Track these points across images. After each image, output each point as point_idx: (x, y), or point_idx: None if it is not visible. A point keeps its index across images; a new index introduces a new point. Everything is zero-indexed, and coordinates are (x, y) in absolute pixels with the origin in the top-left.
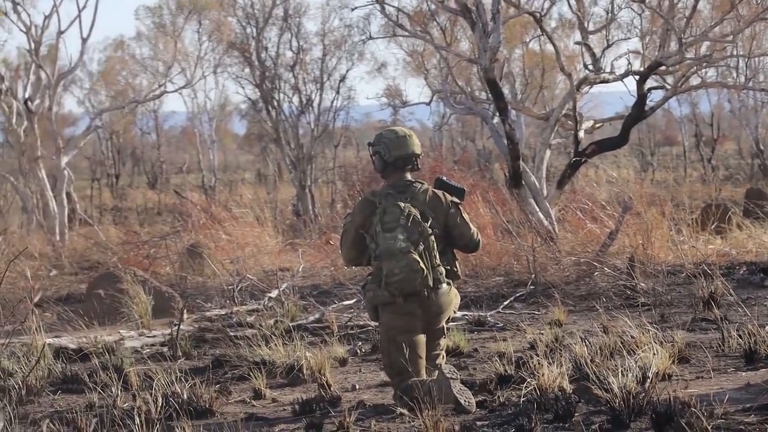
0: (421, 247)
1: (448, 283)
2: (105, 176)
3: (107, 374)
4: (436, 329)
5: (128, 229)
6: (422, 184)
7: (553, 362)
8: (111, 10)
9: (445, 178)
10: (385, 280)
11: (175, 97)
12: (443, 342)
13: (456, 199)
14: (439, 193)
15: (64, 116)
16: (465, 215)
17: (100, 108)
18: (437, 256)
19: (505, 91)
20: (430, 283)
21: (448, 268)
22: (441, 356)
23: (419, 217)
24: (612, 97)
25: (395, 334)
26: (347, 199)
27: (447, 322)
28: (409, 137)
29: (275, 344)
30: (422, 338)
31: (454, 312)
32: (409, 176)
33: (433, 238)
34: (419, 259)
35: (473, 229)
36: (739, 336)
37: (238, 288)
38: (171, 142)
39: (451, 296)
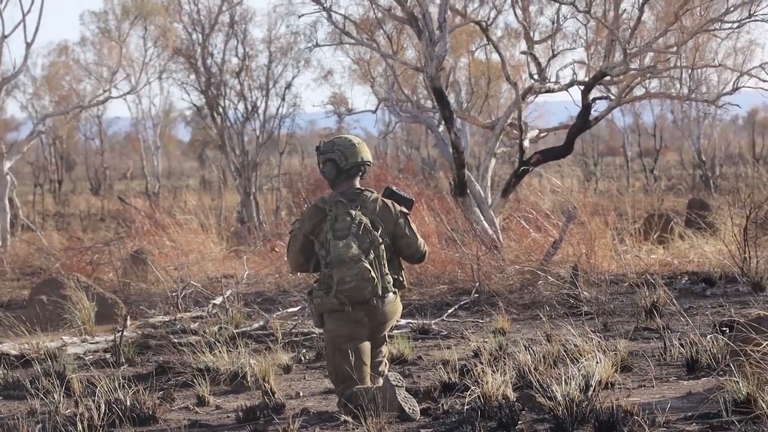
0: (372, 256)
1: (394, 292)
2: (48, 182)
3: (49, 381)
4: (379, 337)
5: (71, 235)
6: (372, 192)
7: (497, 370)
8: (55, 15)
9: (394, 188)
10: (336, 288)
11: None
12: (385, 349)
13: (405, 209)
14: (389, 202)
15: (7, 121)
16: (413, 225)
17: (44, 113)
18: (386, 265)
19: (451, 99)
20: (380, 292)
21: (395, 277)
22: (384, 363)
23: (370, 226)
24: (557, 107)
25: (341, 341)
26: (292, 206)
27: (390, 330)
28: (361, 145)
29: (219, 351)
30: (367, 345)
31: (397, 321)
32: (358, 184)
33: (383, 247)
34: (370, 268)
35: (420, 239)
36: (681, 345)
37: (182, 295)
38: (115, 148)
39: (396, 305)
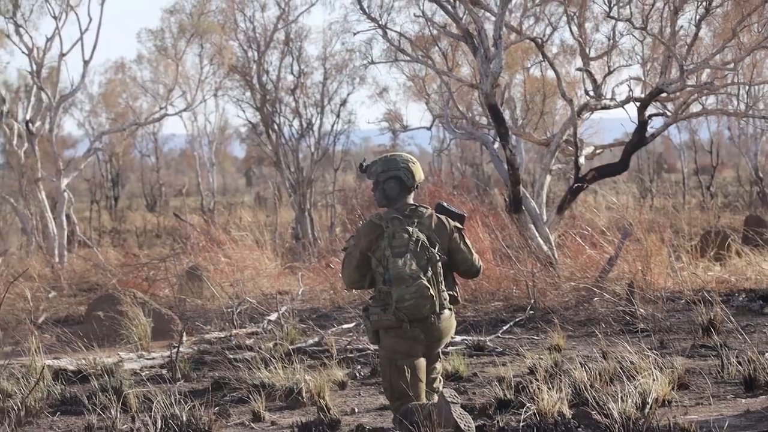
0: (430, 273)
1: (450, 309)
2: (104, 198)
3: (106, 396)
4: (434, 353)
5: (127, 252)
6: (427, 209)
7: (553, 387)
8: (113, 33)
9: (445, 204)
10: (396, 305)
11: (174, 120)
12: (439, 366)
13: (458, 224)
14: (443, 218)
15: (64, 138)
16: (467, 240)
17: (101, 130)
18: (443, 282)
19: (506, 116)
20: (437, 309)
21: (450, 293)
22: (438, 380)
23: (427, 242)
24: (612, 123)
25: (397, 358)
26: (347, 222)
27: (444, 346)
28: (417, 163)
29: (274, 367)
30: (423, 362)
31: (452, 337)
32: (411, 200)
33: (440, 264)
34: (429, 285)
35: (475, 254)
36: (739, 363)
37: (238, 311)
38: (170, 165)
39: (451, 322)
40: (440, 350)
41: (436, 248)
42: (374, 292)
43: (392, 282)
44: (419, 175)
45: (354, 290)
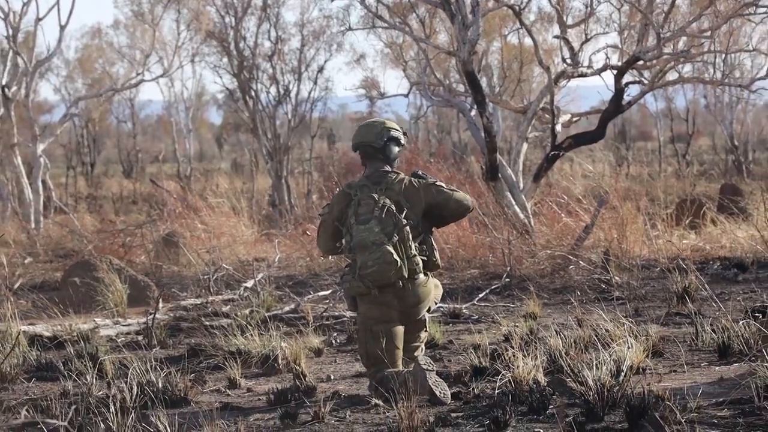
0: (396, 239)
1: (426, 274)
2: (80, 164)
3: (82, 362)
4: (416, 321)
5: (104, 218)
6: (397, 174)
7: (528, 355)
8: None
9: (420, 172)
10: (359, 272)
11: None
12: (423, 335)
13: (431, 179)
14: (414, 181)
15: (40, 103)
16: (445, 187)
17: (77, 96)
18: (413, 247)
19: (483, 84)
20: (405, 274)
21: (425, 258)
22: (420, 348)
23: (394, 208)
24: (589, 91)
25: (372, 324)
26: (323, 189)
27: (428, 311)
28: (368, 126)
29: (251, 334)
30: (400, 329)
31: (435, 303)
32: (386, 167)
33: (408, 228)
34: (393, 251)
35: (460, 193)
36: (713, 331)
37: (214, 278)
38: (147, 131)
39: (429, 287)
40: (425, 318)
41: (404, 213)
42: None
43: (356, 249)
44: (389, 135)
45: (330, 257)
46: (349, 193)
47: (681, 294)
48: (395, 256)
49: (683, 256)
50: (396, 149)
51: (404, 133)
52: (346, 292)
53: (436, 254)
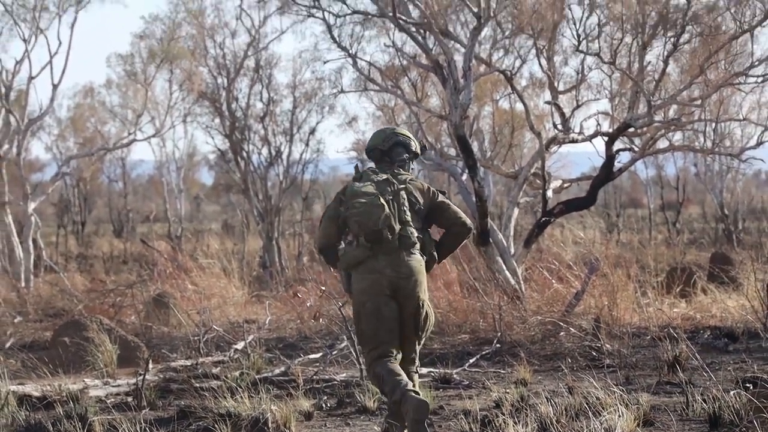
0: (389, 197)
1: (422, 254)
2: (71, 223)
3: (71, 423)
4: (414, 304)
5: (94, 277)
6: (408, 174)
7: (519, 422)
8: (82, 57)
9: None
10: (347, 213)
11: (143, 145)
12: (418, 348)
13: (442, 190)
14: (425, 182)
15: (32, 162)
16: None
17: (69, 154)
18: (408, 215)
19: (475, 148)
20: (394, 225)
21: (421, 240)
22: (416, 363)
23: (395, 181)
24: (580, 158)
25: (365, 300)
26: (314, 252)
27: (425, 331)
28: (378, 131)
29: (241, 396)
30: (393, 306)
31: (425, 294)
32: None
33: (404, 194)
34: (382, 200)
35: (463, 214)
36: (704, 400)
37: (204, 339)
38: (138, 191)
39: (423, 267)
40: (427, 308)
41: (406, 193)
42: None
43: (347, 197)
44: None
45: (321, 321)
46: (353, 176)
47: (672, 363)
48: (383, 203)
49: (674, 325)
50: (405, 154)
51: (423, 147)
52: (343, 263)
53: (434, 248)
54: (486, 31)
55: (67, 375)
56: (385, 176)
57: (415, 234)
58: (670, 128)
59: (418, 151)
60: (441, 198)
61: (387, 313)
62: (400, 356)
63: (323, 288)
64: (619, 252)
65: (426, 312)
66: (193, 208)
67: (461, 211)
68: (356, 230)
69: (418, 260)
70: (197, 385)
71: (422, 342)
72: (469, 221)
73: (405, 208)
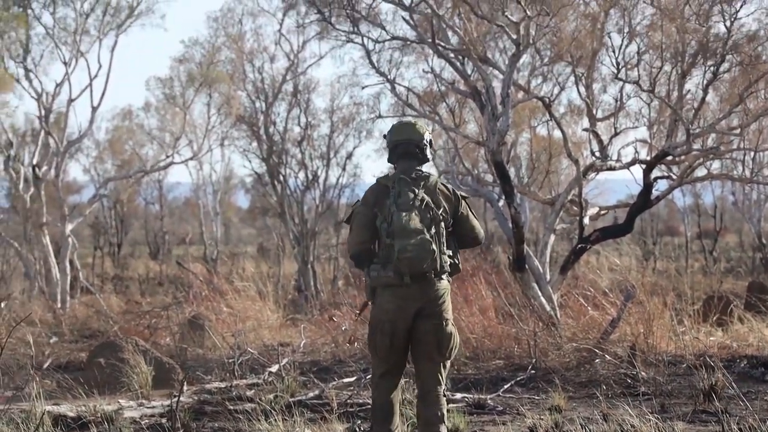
0: (433, 231)
1: (448, 277)
2: (107, 245)
3: None
4: (436, 334)
5: (130, 299)
6: (431, 175)
7: None
8: (122, 80)
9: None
10: (397, 256)
11: (179, 168)
12: (445, 372)
13: (464, 194)
14: (450, 187)
15: (69, 183)
16: (473, 211)
17: (106, 176)
18: (444, 244)
19: (512, 174)
20: (438, 266)
21: (451, 260)
22: (442, 384)
23: (432, 203)
24: (617, 185)
25: (385, 320)
26: (350, 275)
27: (450, 351)
28: (401, 125)
29: (274, 419)
30: (405, 332)
31: (447, 317)
32: (420, 167)
33: (443, 224)
34: (432, 240)
35: (479, 224)
36: (740, 429)
37: (239, 361)
38: (174, 213)
39: (447, 290)
40: (453, 332)
41: (440, 210)
42: (378, 251)
43: (395, 234)
44: (396, 135)
45: (356, 345)
46: (385, 184)
47: (708, 391)
48: (434, 246)
49: (710, 353)
50: (429, 152)
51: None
52: (372, 281)
53: (458, 258)
54: (525, 58)
55: (102, 396)
56: (417, 192)
57: (449, 261)
58: (708, 157)
59: (425, 144)
60: (464, 206)
61: (402, 336)
62: (400, 378)
63: (358, 312)
64: (656, 280)
65: (450, 331)
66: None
67: (478, 224)
68: (404, 270)
69: (446, 282)
70: (231, 407)
71: (448, 363)
72: (482, 235)
73: (443, 235)
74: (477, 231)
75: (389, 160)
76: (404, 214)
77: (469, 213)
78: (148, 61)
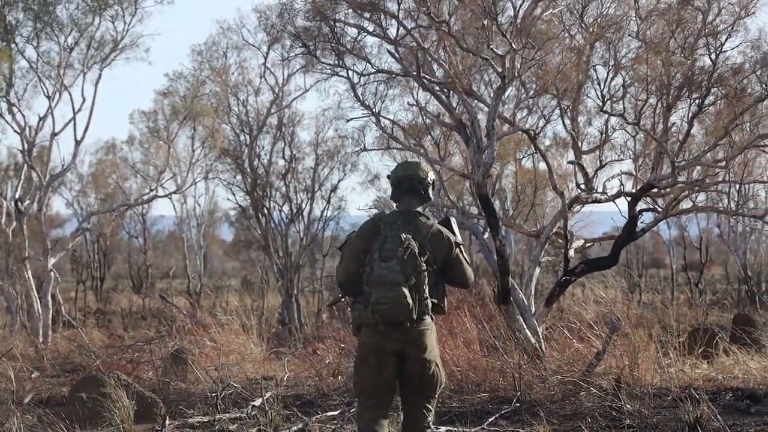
0: (413, 282)
1: (432, 317)
2: (90, 279)
3: None
4: (420, 377)
5: (112, 333)
6: (428, 218)
7: None
8: (105, 114)
9: (453, 220)
10: (372, 307)
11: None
12: (432, 405)
13: (459, 240)
14: (444, 231)
15: (52, 217)
16: (465, 255)
17: (90, 210)
18: (426, 291)
19: (497, 206)
20: (414, 316)
21: (435, 302)
22: (428, 419)
23: (417, 251)
24: (603, 217)
25: (368, 353)
26: (334, 309)
27: (434, 390)
28: (407, 163)
29: None
30: (392, 362)
31: (431, 354)
32: (419, 207)
33: (426, 273)
34: (408, 294)
35: (470, 268)
36: None
37: (222, 395)
38: (158, 246)
39: (432, 332)
40: (438, 374)
41: (426, 257)
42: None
43: (372, 284)
44: (400, 173)
45: (339, 378)
46: (378, 225)
47: (693, 424)
48: (409, 299)
49: (695, 386)
50: (432, 192)
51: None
52: (354, 320)
53: (446, 300)
54: (510, 91)
55: (84, 431)
56: (404, 238)
57: (430, 302)
58: (693, 189)
59: (429, 182)
60: (457, 252)
61: (388, 371)
62: (389, 410)
63: (342, 345)
64: (641, 312)
65: (433, 372)
66: (219, 264)
67: (469, 269)
68: (378, 319)
69: (427, 322)
70: None
71: (434, 401)
72: (471, 280)
73: (425, 284)
74: (467, 277)
75: (392, 197)
76: (384, 264)
77: (461, 259)
78: (132, 94)
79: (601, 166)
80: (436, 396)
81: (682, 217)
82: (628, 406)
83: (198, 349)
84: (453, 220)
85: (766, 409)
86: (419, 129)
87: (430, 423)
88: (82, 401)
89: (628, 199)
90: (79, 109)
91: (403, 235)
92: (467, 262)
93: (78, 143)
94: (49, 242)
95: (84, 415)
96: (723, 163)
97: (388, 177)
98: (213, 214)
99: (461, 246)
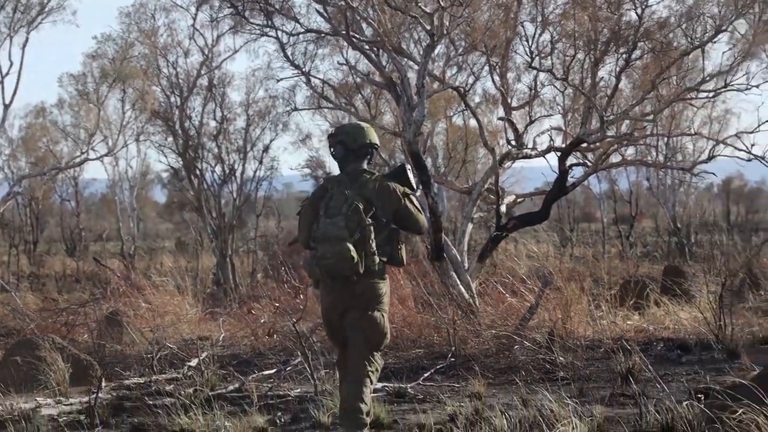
0: (357, 236)
1: (381, 273)
2: (23, 243)
3: None
4: (367, 315)
5: (46, 296)
6: (372, 173)
7: None
8: (34, 78)
9: (409, 168)
10: (317, 262)
11: (95, 164)
12: (377, 364)
13: (408, 190)
14: (391, 185)
15: None
16: (416, 203)
17: (21, 174)
18: (373, 246)
19: (428, 164)
20: (360, 270)
21: (385, 259)
22: (372, 371)
23: (362, 207)
24: (533, 173)
25: (325, 311)
26: (268, 268)
27: (379, 347)
28: (369, 128)
29: (194, 413)
30: (350, 315)
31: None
32: (365, 165)
33: (371, 228)
34: (352, 248)
35: (421, 215)
36: (657, 412)
37: (158, 356)
38: (91, 210)
39: (380, 285)
40: (382, 323)
41: (372, 212)
42: None
43: (318, 239)
44: (366, 138)
45: (275, 336)
46: (326, 186)
47: (625, 375)
48: (353, 253)
49: (627, 337)
50: (373, 152)
51: (373, 145)
52: (309, 275)
53: (402, 251)
54: (439, 49)
55: (19, 394)
56: (349, 194)
57: (378, 258)
58: (622, 143)
59: (363, 144)
60: (405, 203)
61: (338, 326)
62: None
63: (277, 304)
64: (573, 266)
65: (376, 319)
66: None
67: (421, 217)
68: (324, 273)
69: (375, 280)
70: (151, 402)
71: (377, 354)
72: (424, 227)
73: (370, 238)
74: (420, 225)
75: (341, 159)
76: (329, 221)
77: (411, 209)
78: (60, 57)
79: (531, 122)
80: (380, 349)
81: (612, 171)
82: (561, 358)
83: (133, 311)
84: (408, 167)
85: (696, 358)
86: (350, 88)
87: (370, 374)
88: (16, 365)
89: (558, 154)
90: (7, 73)
91: (348, 192)
92: (419, 210)
93: (7, 107)
94: None
95: (19, 378)
96: (651, 117)
97: (330, 137)
98: (145, 176)
99: (411, 195)
